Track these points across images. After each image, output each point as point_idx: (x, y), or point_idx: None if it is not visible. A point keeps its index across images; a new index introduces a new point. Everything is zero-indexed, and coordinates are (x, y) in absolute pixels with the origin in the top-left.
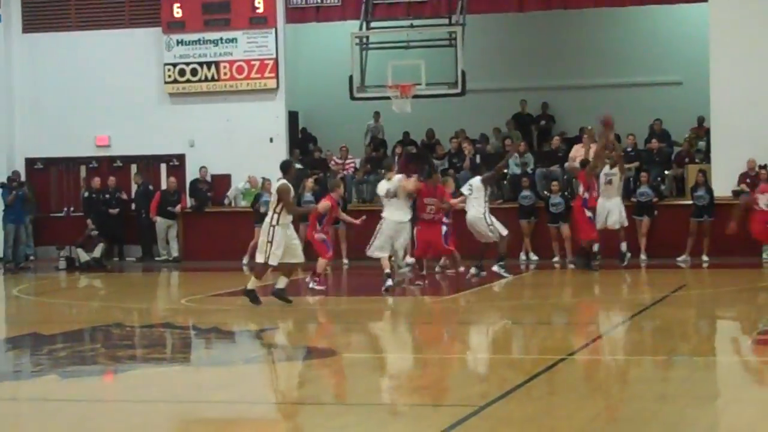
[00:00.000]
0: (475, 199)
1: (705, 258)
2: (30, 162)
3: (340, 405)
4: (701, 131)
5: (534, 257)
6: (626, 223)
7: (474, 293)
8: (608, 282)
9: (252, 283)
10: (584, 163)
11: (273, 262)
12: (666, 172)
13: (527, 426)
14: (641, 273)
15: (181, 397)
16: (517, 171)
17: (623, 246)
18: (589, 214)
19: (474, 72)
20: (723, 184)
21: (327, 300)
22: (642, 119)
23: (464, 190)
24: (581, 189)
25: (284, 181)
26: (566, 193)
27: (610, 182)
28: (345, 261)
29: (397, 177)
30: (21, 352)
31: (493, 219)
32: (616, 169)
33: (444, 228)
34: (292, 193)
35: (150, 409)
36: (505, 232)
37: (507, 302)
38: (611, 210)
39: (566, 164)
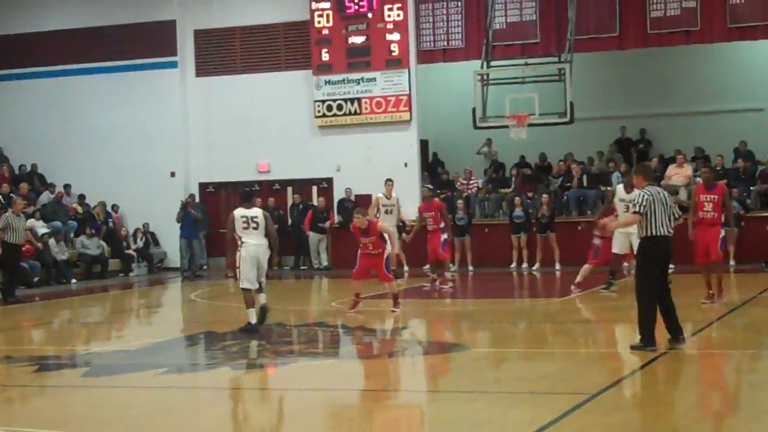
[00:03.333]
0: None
1: None
2: (203, 186)
3: (471, 392)
4: None
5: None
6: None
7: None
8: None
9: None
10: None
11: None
12: (752, 188)
13: (635, 412)
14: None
15: (333, 386)
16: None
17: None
18: None
19: (580, 102)
20: None
21: (455, 302)
22: (728, 142)
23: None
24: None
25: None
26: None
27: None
28: (470, 267)
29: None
30: (198, 348)
31: None
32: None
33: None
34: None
35: (308, 396)
36: None
37: (613, 302)
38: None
39: (662, 182)
